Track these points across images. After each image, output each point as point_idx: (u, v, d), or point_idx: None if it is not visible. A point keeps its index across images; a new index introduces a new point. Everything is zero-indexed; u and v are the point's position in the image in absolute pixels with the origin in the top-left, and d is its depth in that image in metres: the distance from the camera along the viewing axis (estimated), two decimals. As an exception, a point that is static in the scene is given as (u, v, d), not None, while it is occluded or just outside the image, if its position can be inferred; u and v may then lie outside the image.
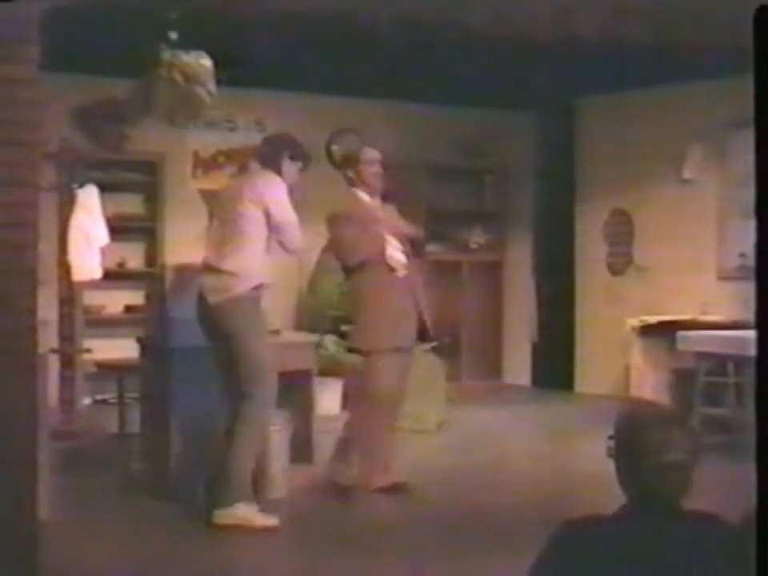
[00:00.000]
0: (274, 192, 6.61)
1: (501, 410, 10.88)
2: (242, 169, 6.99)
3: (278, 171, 6.71)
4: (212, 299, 6.51)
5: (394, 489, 7.16)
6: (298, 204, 6.69)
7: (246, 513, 6.43)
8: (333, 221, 7.39)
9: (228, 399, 6.61)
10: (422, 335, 7.37)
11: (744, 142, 10.48)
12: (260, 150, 7.01)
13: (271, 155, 6.78)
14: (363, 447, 7.17)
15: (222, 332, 6.53)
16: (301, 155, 6.89)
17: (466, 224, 12.56)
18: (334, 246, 7.54)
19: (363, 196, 7.37)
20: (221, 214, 6.77)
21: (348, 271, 7.37)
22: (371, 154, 7.45)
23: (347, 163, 7.57)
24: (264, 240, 6.58)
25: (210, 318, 6.56)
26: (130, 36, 6.69)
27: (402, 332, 7.24)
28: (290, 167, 6.77)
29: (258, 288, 6.59)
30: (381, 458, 7.23)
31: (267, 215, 6.54)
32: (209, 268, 6.62)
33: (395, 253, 7.26)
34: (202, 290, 6.60)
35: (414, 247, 7.42)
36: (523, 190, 12.66)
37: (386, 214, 7.43)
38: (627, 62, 9.40)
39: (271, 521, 6.45)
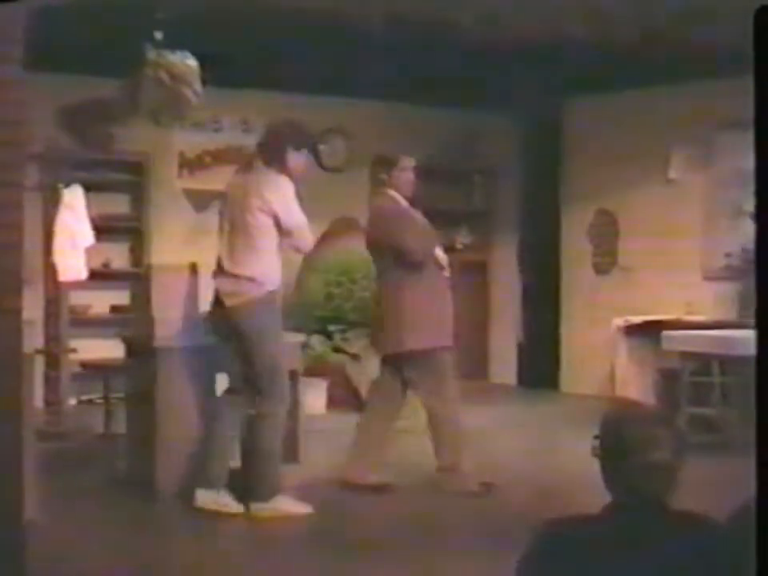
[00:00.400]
0: (280, 197, 6.63)
1: (487, 410, 10.86)
2: (247, 167, 6.92)
3: (284, 166, 6.70)
4: (229, 302, 6.62)
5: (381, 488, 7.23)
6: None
7: (282, 504, 6.64)
8: (390, 217, 7.33)
9: (244, 398, 6.72)
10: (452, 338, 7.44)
11: (729, 143, 10.52)
12: (262, 147, 6.90)
13: (275, 151, 6.75)
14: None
15: (238, 333, 6.64)
16: (305, 142, 6.92)
17: (452, 224, 12.56)
18: (394, 243, 7.24)
19: (402, 201, 7.40)
20: (230, 217, 6.77)
21: (403, 270, 7.23)
22: (408, 161, 7.48)
23: (381, 165, 7.51)
24: (276, 244, 6.67)
25: (226, 319, 6.67)
26: (117, 36, 6.68)
27: (438, 331, 7.31)
28: (296, 158, 6.79)
29: (273, 291, 6.67)
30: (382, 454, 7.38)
31: (277, 221, 6.60)
32: (223, 272, 6.69)
33: (441, 252, 7.42)
34: (217, 293, 6.71)
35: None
36: (510, 191, 12.69)
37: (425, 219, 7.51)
38: (613, 64, 9.42)
39: (306, 508, 6.68)
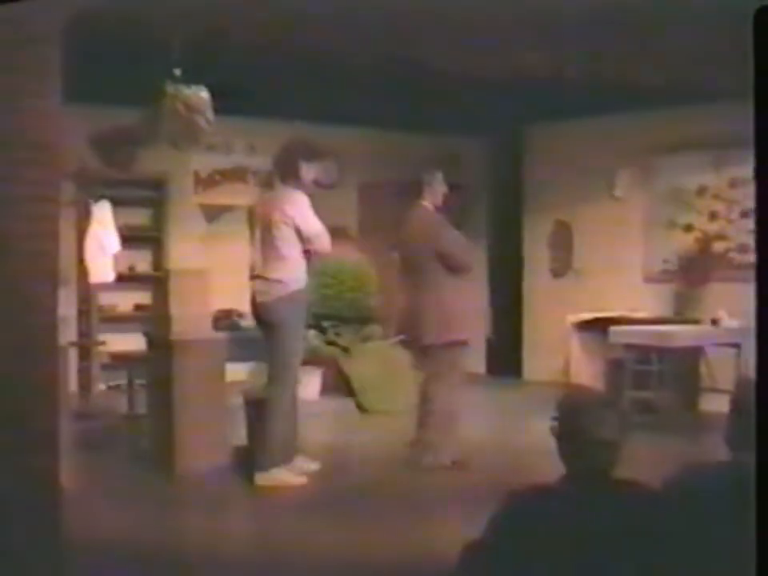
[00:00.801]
0: (297, 209, 6.74)
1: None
2: (267, 186, 7.06)
3: (298, 180, 6.81)
4: (260, 299, 6.79)
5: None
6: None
7: (280, 474, 6.70)
8: (432, 225, 7.27)
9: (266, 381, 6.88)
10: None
11: (666, 165, 10.56)
12: (276, 167, 7.04)
13: (287, 168, 6.88)
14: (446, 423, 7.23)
15: (266, 324, 6.79)
16: (314, 154, 6.98)
17: (428, 234, 12.57)
18: (439, 248, 7.17)
19: (433, 208, 7.39)
20: (259, 230, 6.88)
21: (450, 274, 7.19)
22: (439, 174, 7.48)
23: (415, 181, 7.50)
24: (299, 250, 6.78)
25: (259, 313, 6.84)
26: (140, 72, 6.68)
27: (469, 325, 7.34)
28: (308, 170, 6.88)
29: (298, 290, 6.78)
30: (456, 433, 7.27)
31: (298, 232, 6.72)
32: (257, 276, 6.83)
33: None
34: (253, 292, 6.85)
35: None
36: (478, 205, 12.68)
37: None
38: (568, 96, 9.44)
39: (301, 480, 6.75)
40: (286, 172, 6.87)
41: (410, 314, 7.38)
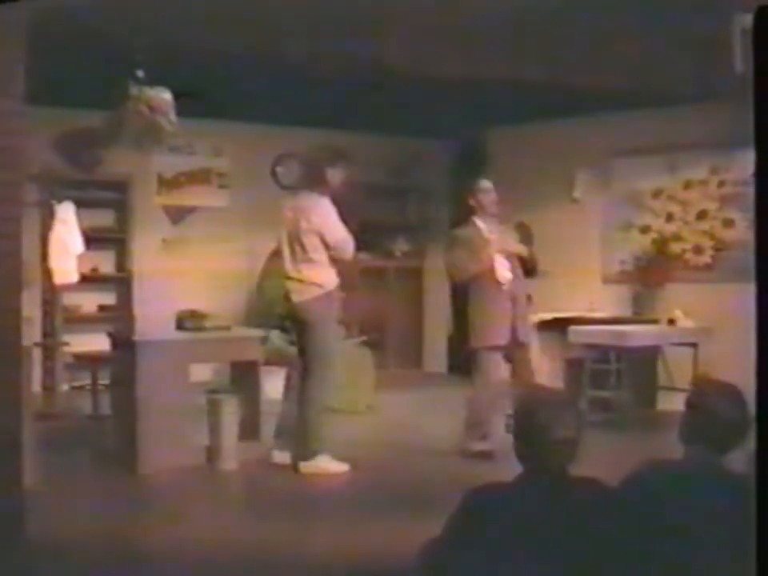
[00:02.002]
0: (322, 217, 6.98)
1: (421, 394, 10.92)
2: (296, 193, 7.25)
3: (324, 184, 7.01)
4: (295, 298, 7.04)
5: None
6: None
7: (323, 462, 6.96)
8: (449, 244, 7.78)
9: (300, 376, 7.16)
10: (513, 335, 7.51)
11: (623, 168, 10.63)
12: (304, 174, 7.38)
13: (314, 174, 7.10)
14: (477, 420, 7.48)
15: (302, 322, 7.07)
16: (339, 158, 7.14)
17: (391, 235, 12.59)
18: (446, 266, 7.82)
19: (479, 222, 7.63)
20: (287, 236, 7.11)
21: (457, 285, 7.77)
22: (485, 184, 7.75)
23: (469, 194, 7.74)
24: (326, 255, 7.01)
25: (293, 312, 7.13)
26: (103, 74, 6.65)
27: (498, 332, 7.45)
28: (334, 175, 7.06)
29: (329, 291, 7.00)
30: (486, 429, 7.46)
31: (323, 238, 6.96)
32: (290, 277, 7.07)
33: (502, 270, 7.51)
34: (287, 292, 7.10)
35: (525, 264, 7.69)
36: (440, 207, 12.71)
37: (500, 236, 7.63)
38: (528, 100, 9.49)
39: (343, 467, 7.00)
40: (312, 179, 7.11)
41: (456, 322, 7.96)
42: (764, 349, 1.92)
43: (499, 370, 7.54)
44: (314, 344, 7.04)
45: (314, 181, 7.09)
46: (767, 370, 1.88)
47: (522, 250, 7.73)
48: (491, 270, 7.49)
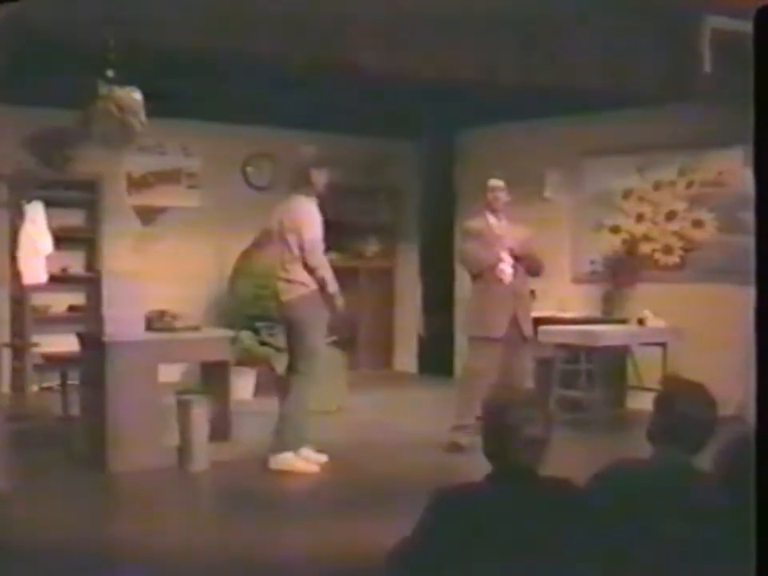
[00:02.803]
0: (303, 216, 7.12)
1: (392, 394, 10.92)
2: (286, 196, 7.48)
3: (310, 185, 7.17)
4: (283, 297, 7.14)
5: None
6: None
7: (290, 460, 7.02)
8: (463, 237, 8.05)
9: (287, 373, 7.27)
10: (510, 330, 7.72)
11: (593, 168, 10.67)
12: (292, 178, 7.49)
13: (300, 178, 7.25)
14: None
15: (289, 320, 7.17)
16: (323, 161, 7.35)
17: (362, 235, 12.56)
18: (461, 258, 8.21)
19: (490, 218, 7.88)
20: (277, 236, 7.25)
21: (472, 278, 7.94)
22: (494, 182, 7.97)
23: (484, 191, 7.98)
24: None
25: (283, 310, 7.21)
26: (74, 74, 6.61)
27: (493, 325, 7.66)
28: (318, 176, 7.22)
29: (314, 290, 7.07)
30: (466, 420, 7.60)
31: (299, 237, 7.09)
32: (279, 277, 7.16)
33: (505, 267, 7.71)
34: (277, 292, 7.19)
35: (530, 264, 7.88)
36: (412, 207, 12.72)
37: (507, 233, 7.83)
38: (499, 101, 9.50)
39: (312, 467, 7.06)
40: (298, 181, 7.26)
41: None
42: (764, 349, 1.89)
43: (487, 362, 7.65)
44: (299, 342, 7.12)
45: (299, 182, 7.23)
46: (767, 371, 1.87)
47: (529, 250, 7.92)
48: (494, 267, 7.71)
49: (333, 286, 7.13)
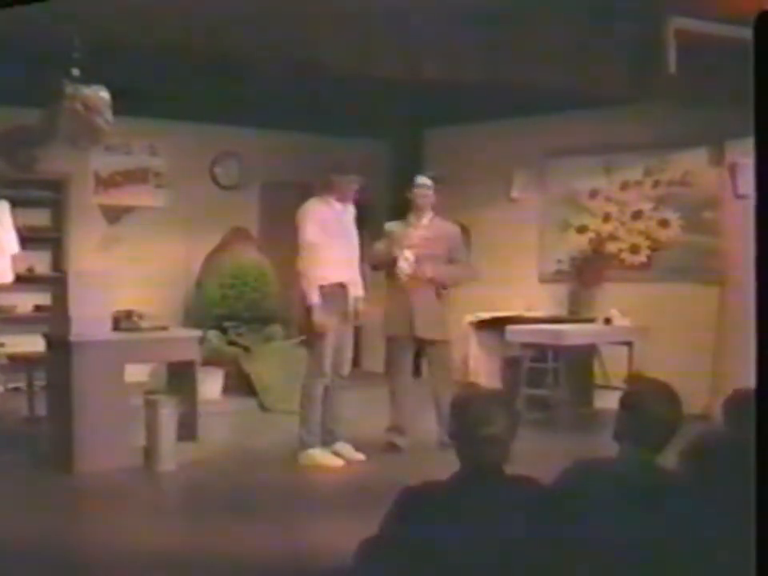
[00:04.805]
0: (304, 216, 7.22)
1: (359, 393, 10.88)
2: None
3: (331, 190, 7.27)
4: (299, 290, 7.23)
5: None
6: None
7: (316, 455, 7.20)
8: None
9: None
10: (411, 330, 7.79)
11: (559, 168, 10.71)
12: (319, 184, 7.55)
13: (324, 180, 7.36)
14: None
15: (302, 314, 7.26)
16: (345, 169, 7.35)
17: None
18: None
19: (411, 217, 7.87)
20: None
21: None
22: (421, 180, 7.94)
23: (408, 186, 7.98)
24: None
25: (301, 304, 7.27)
26: (39, 72, 6.56)
27: (395, 323, 7.78)
28: (341, 180, 7.26)
29: (330, 285, 7.19)
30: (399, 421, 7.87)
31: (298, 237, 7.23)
32: (300, 274, 7.20)
33: (403, 264, 7.68)
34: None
35: (431, 263, 7.74)
36: (378, 207, 12.71)
37: (425, 231, 7.80)
38: (466, 101, 9.52)
39: (337, 462, 7.24)
40: (321, 187, 7.39)
41: None
42: (764, 349, 1.90)
43: (399, 361, 7.89)
44: (312, 342, 7.30)
45: (322, 187, 7.35)
46: (766, 371, 1.87)
47: (439, 250, 7.81)
48: (393, 264, 7.70)
49: (309, 299, 7.13)
